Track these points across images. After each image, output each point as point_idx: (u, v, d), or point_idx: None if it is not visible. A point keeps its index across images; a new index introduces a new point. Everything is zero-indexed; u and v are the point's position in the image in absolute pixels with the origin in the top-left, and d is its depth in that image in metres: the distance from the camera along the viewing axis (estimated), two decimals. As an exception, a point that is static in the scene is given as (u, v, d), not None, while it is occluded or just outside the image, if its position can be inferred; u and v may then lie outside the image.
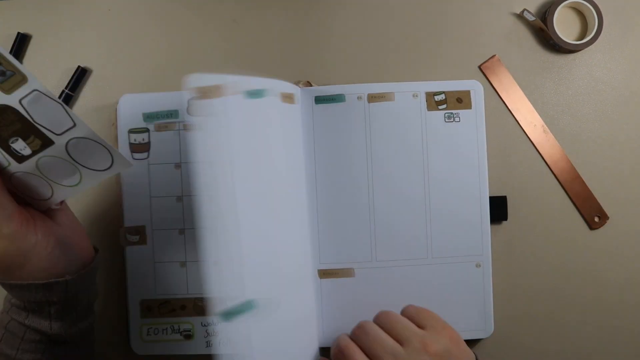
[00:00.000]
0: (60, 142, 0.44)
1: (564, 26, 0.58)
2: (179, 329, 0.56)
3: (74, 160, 0.45)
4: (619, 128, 0.58)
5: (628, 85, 0.58)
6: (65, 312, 0.46)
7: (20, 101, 0.42)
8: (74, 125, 0.43)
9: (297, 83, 0.57)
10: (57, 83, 0.58)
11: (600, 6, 0.56)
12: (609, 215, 0.58)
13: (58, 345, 0.46)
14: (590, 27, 0.57)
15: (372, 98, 0.55)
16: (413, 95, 0.56)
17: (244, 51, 0.58)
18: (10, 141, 0.43)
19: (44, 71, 0.58)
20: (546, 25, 0.57)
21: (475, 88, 0.56)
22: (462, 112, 0.56)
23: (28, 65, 0.58)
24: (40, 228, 0.44)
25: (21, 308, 0.45)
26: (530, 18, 0.57)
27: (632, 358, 0.58)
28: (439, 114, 0.55)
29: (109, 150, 0.45)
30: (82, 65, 0.58)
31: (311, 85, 0.57)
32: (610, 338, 0.58)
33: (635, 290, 0.58)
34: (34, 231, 0.43)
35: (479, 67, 0.58)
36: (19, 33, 0.58)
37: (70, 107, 0.58)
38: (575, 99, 0.58)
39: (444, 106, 0.56)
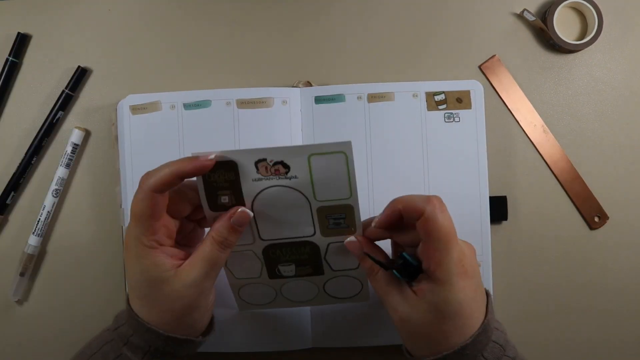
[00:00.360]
0: (329, 276, 0.47)
1: (564, 26, 0.58)
2: None
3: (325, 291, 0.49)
4: (619, 128, 0.58)
5: (628, 85, 0.58)
6: None
7: (328, 245, 0.44)
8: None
9: (297, 83, 0.57)
10: (57, 83, 0.58)
11: (600, 6, 0.56)
12: (609, 215, 0.58)
13: None
14: (590, 27, 0.57)
15: (372, 98, 0.55)
16: (413, 95, 0.55)
17: (244, 51, 0.58)
18: (283, 264, 0.45)
19: (44, 71, 0.58)
20: (546, 25, 0.57)
21: (475, 88, 0.56)
22: (462, 112, 0.55)
23: (28, 65, 0.58)
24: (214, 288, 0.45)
25: (142, 350, 0.43)
26: (530, 18, 0.57)
27: (632, 357, 0.58)
28: (439, 114, 0.55)
29: (362, 286, 0.48)
30: (82, 65, 0.58)
31: (311, 85, 0.56)
32: (610, 338, 0.58)
33: (636, 290, 0.58)
34: (213, 290, 0.44)
35: (479, 67, 0.58)
36: (19, 33, 0.58)
37: (70, 107, 0.58)
38: (575, 99, 0.58)
39: (444, 106, 0.55)
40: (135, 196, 0.41)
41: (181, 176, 0.40)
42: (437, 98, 0.56)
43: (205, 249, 0.42)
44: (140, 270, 0.42)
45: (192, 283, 0.42)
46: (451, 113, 0.55)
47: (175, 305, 0.42)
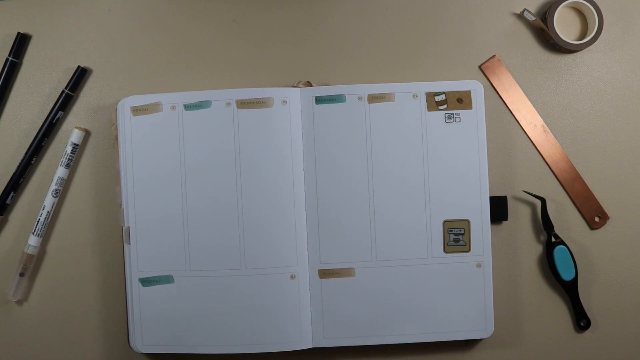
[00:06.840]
0: None
1: (564, 26, 0.58)
2: None
3: None
4: (619, 128, 0.58)
5: (628, 85, 0.58)
6: None
7: None
8: None
9: (297, 83, 0.57)
10: (57, 83, 0.58)
11: (600, 6, 0.56)
12: (609, 215, 0.58)
13: None
14: (590, 27, 0.57)
15: (373, 98, 0.55)
16: (413, 96, 0.55)
17: (244, 51, 0.58)
18: None
19: (44, 71, 0.58)
20: (546, 25, 0.57)
21: (476, 88, 0.56)
22: (463, 112, 0.56)
23: (28, 65, 0.58)
24: None
25: None
26: (531, 18, 0.57)
27: (631, 357, 0.58)
28: (439, 114, 0.55)
29: None
30: (82, 65, 0.58)
31: (311, 85, 0.57)
32: (609, 338, 0.58)
33: (635, 291, 0.58)
34: None
35: (479, 67, 0.58)
36: (19, 33, 0.58)
37: (70, 107, 0.58)
38: (575, 99, 0.58)
39: (445, 106, 0.55)
40: None
41: None
42: (438, 98, 0.56)
43: None
44: None
45: None
46: (452, 113, 0.55)
47: None
